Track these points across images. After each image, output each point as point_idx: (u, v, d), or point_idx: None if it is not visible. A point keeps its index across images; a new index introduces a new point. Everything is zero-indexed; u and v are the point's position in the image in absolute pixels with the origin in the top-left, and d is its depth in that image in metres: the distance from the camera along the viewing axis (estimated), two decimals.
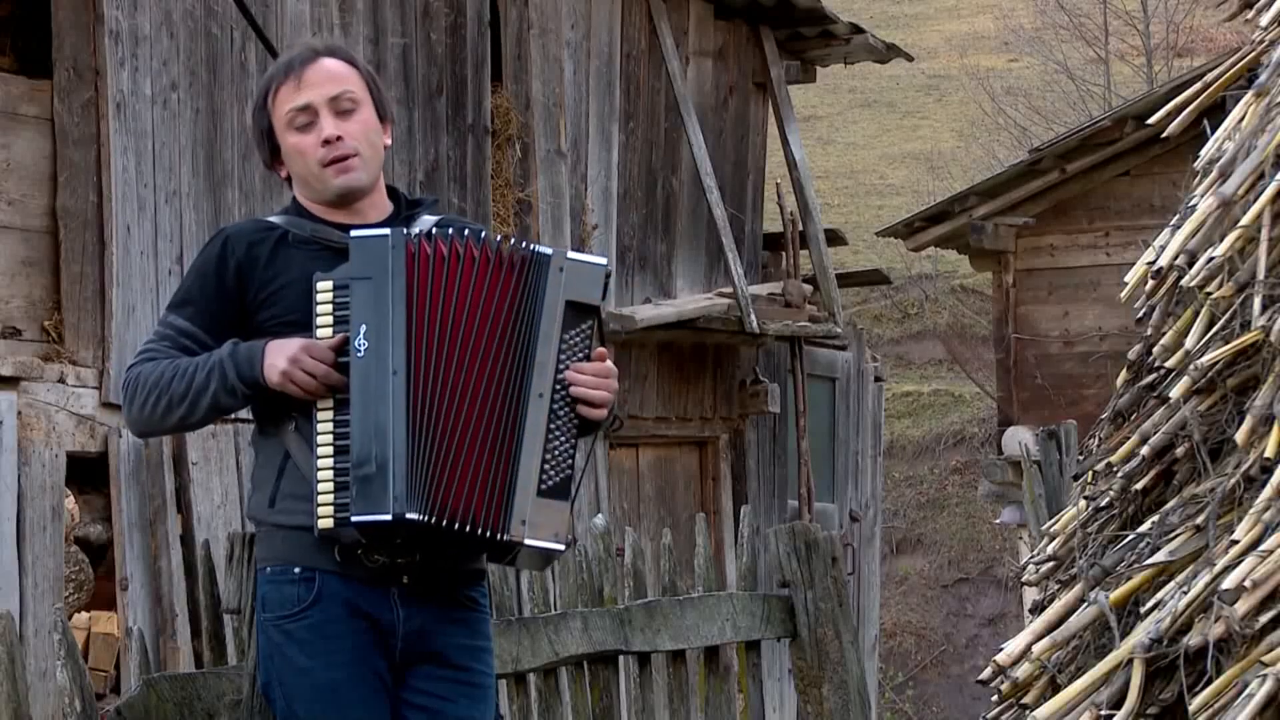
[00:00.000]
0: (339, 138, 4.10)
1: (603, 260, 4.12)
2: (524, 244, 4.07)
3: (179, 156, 9.75)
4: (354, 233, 4.04)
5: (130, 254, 9.46)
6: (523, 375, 4.01)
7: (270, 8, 10.23)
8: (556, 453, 4.02)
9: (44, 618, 8.86)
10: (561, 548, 4.02)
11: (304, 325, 4.02)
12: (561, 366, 4.02)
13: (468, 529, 3.97)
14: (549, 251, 4.06)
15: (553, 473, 4.01)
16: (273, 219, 4.19)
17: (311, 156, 4.11)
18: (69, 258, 9.33)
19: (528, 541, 3.98)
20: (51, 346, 9.30)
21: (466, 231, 4.06)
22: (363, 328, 3.96)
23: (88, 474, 9.45)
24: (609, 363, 4.09)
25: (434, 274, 3.99)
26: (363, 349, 3.95)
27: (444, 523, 3.95)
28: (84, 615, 9.67)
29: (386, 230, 4.03)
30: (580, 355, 4.05)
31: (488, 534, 3.97)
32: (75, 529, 9.46)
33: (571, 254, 4.07)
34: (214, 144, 9.93)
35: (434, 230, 4.08)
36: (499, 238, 4.07)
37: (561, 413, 4.02)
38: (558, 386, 4.02)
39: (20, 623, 8.66)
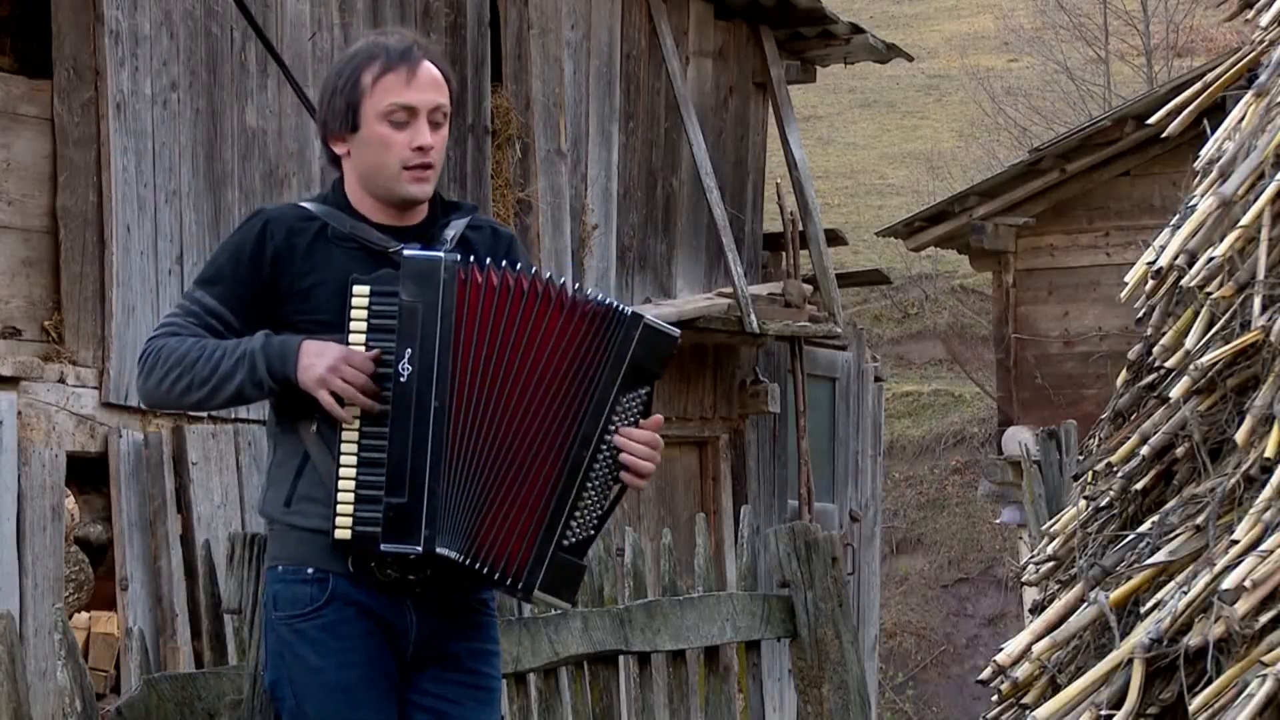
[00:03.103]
0: (431, 147, 4.05)
1: (677, 332, 4.09)
2: (605, 298, 4.03)
3: (179, 156, 9.75)
4: (406, 251, 3.99)
5: (130, 254, 9.46)
6: (571, 428, 3.98)
7: (270, 8, 10.23)
8: (585, 512, 4.01)
9: (44, 618, 8.86)
10: (568, 607, 4.04)
11: (335, 326, 3.98)
12: (611, 428, 4.00)
13: (486, 571, 3.98)
14: (629, 311, 4.02)
15: (577, 530, 4.00)
16: (310, 206, 4.12)
17: (396, 155, 4.03)
18: (69, 258, 9.33)
19: (538, 593, 4.00)
20: (51, 346, 9.30)
21: (521, 265, 4.02)
22: (408, 352, 3.92)
23: (88, 474, 9.45)
24: (658, 435, 4.07)
25: (484, 305, 3.95)
26: (406, 374, 3.92)
27: (475, 564, 3.96)
28: (84, 615, 9.67)
29: (440, 254, 3.98)
30: (631, 420, 4.03)
31: (506, 581, 3.99)
32: (75, 529, 9.46)
33: (649, 318, 4.03)
34: (214, 144, 9.93)
35: (468, 239, 4.08)
36: (564, 281, 4.01)
37: (601, 473, 4.01)
38: (603, 446, 4.00)
39: (20, 623, 8.66)
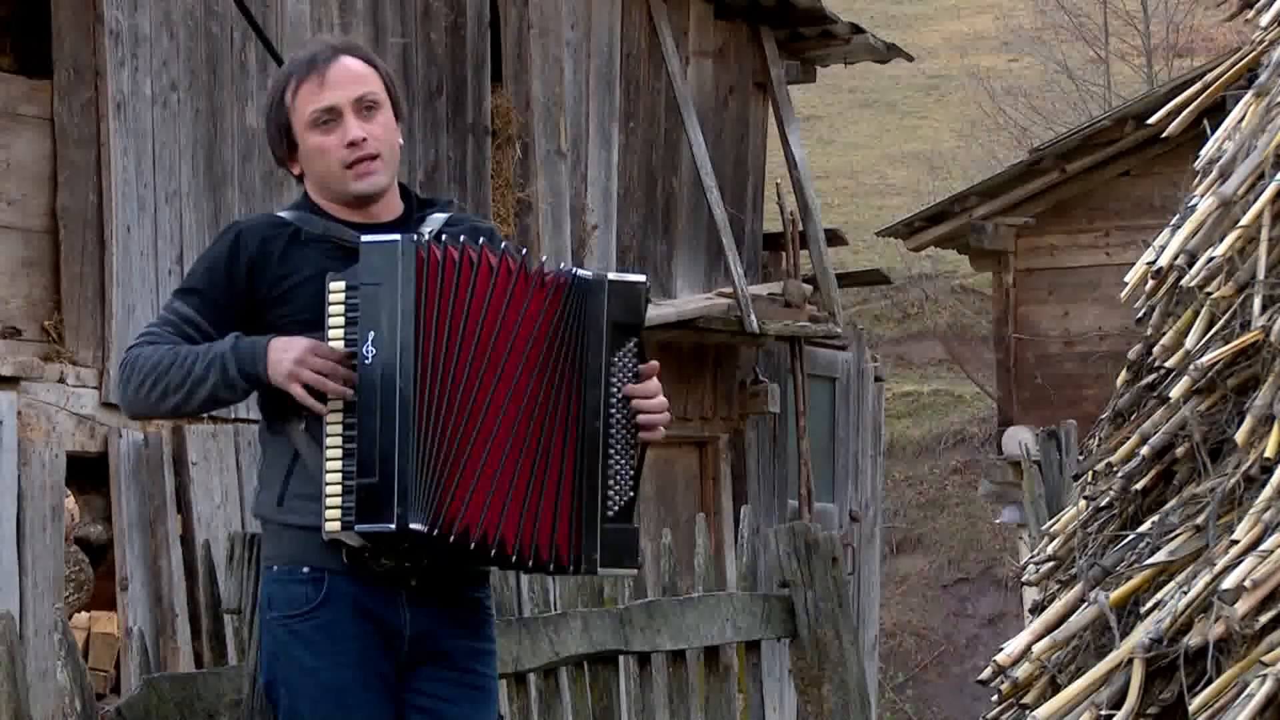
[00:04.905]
0: (364, 139, 4.07)
1: (641, 278, 4.11)
2: (562, 267, 4.06)
3: (179, 156, 9.75)
4: (364, 237, 4.00)
5: (130, 254, 9.46)
6: (571, 399, 4.01)
7: (270, 8, 10.23)
8: (618, 477, 4.02)
9: (44, 618, 8.86)
10: (634, 572, 4.06)
11: (316, 324, 3.99)
12: (614, 389, 4.02)
13: (494, 552, 3.96)
14: (589, 275, 4.05)
15: (617, 497, 4.01)
16: (284, 214, 4.15)
17: (334, 157, 4.07)
18: (69, 258, 9.34)
19: (602, 570, 4.00)
20: (51, 346, 9.30)
21: (482, 239, 4.04)
22: (370, 334, 3.92)
23: (88, 474, 9.45)
24: (657, 381, 4.09)
25: (445, 282, 3.95)
26: (370, 356, 3.92)
27: (451, 537, 3.94)
28: (84, 615, 9.67)
29: (396, 236, 3.99)
30: (629, 375, 4.05)
31: (550, 565, 3.99)
32: (75, 529, 9.46)
33: (612, 275, 4.06)
34: (214, 144, 9.93)
35: (445, 235, 4.07)
36: (523, 251, 4.03)
37: (619, 435, 4.03)
38: (613, 410, 4.02)
39: (20, 623, 8.66)
